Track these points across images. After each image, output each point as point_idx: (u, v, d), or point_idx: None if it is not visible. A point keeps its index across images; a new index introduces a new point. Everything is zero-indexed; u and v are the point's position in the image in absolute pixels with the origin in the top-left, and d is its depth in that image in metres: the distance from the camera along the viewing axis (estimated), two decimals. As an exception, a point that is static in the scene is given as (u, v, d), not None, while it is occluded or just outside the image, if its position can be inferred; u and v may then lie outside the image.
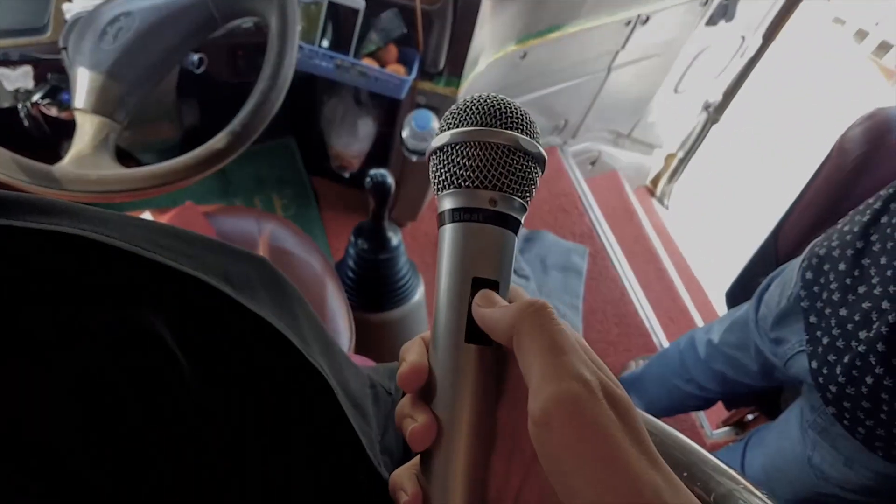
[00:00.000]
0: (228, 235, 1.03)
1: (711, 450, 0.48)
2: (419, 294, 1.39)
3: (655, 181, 2.70)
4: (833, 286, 0.92)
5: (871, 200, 0.93)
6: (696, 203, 2.75)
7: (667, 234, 2.51)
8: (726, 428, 1.78)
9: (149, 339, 0.31)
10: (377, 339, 1.34)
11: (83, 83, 0.82)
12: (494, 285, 0.32)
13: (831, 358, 0.90)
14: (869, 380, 0.83)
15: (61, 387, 0.28)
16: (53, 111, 0.90)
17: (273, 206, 1.79)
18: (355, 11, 1.16)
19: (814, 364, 0.93)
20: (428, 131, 1.17)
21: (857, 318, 0.86)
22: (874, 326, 0.83)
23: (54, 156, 0.81)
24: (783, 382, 1.20)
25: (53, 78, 0.90)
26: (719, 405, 1.51)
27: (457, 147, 0.32)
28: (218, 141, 0.81)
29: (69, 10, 0.87)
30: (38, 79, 0.91)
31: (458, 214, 0.32)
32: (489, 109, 0.32)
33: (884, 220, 0.88)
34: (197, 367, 0.32)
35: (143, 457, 0.30)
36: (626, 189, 2.44)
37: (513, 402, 0.31)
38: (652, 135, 2.38)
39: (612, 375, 0.30)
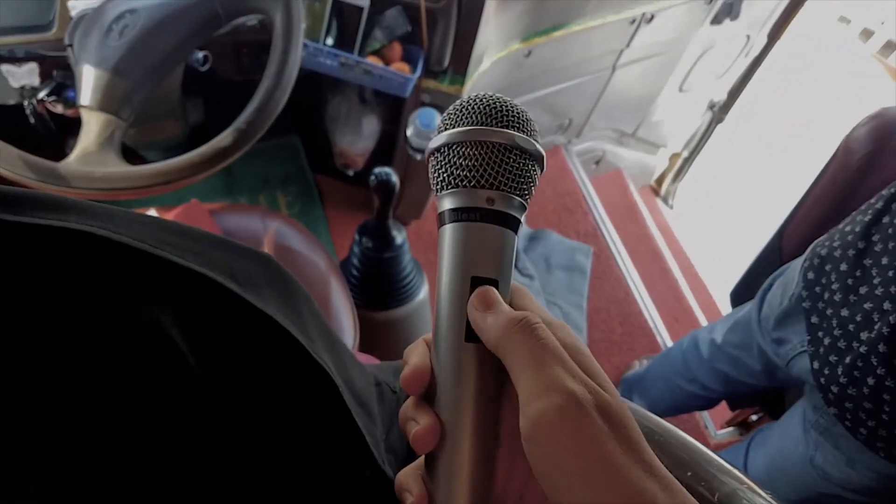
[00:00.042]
0: (233, 233, 1.03)
1: (715, 450, 0.48)
2: (423, 292, 1.39)
3: (660, 180, 2.70)
4: (835, 286, 0.91)
5: (872, 200, 0.93)
6: (701, 203, 2.74)
7: (671, 234, 2.51)
8: (730, 428, 1.78)
9: (149, 339, 0.31)
10: (381, 338, 1.34)
11: (88, 80, 0.82)
12: (494, 284, 0.32)
13: (833, 358, 0.89)
14: (870, 380, 0.83)
15: (61, 387, 0.28)
16: (59, 108, 0.91)
17: (277, 204, 1.79)
18: (360, 9, 1.16)
19: (815, 364, 0.93)
20: (432, 129, 1.17)
21: (858, 318, 0.86)
22: (876, 327, 0.83)
23: (60, 153, 0.81)
24: (786, 382, 1.20)
25: (59, 75, 0.91)
26: (723, 405, 1.51)
27: (454, 147, 0.32)
28: (223, 139, 0.81)
29: (74, 7, 0.87)
30: (44, 76, 0.91)
31: (457, 214, 0.32)
32: (486, 109, 0.32)
33: (885, 220, 0.88)
34: (197, 367, 0.32)
35: (143, 457, 0.30)
36: (631, 188, 2.43)
37: (514, 402, 0.32)
38: (656, 134, 2.37)
39: (608, 382, 0.29)
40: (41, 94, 0.89)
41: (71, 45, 0.84)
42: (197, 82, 1.19)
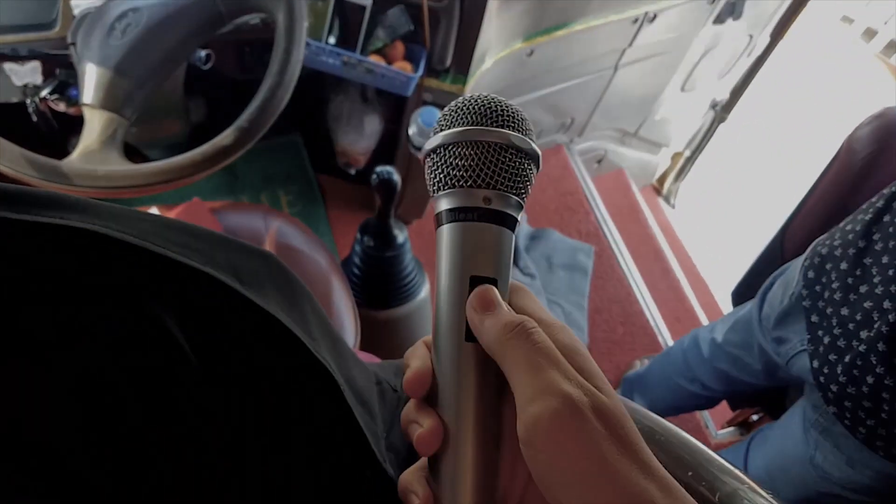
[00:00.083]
0: (235, 232, 1.04)
1: (716, 450, 0.48)
2: (424, 291, 1.39)
3: (662, 180, 2.69)
4: (835, 285, 0.91)
5: (874, 199, 0.93)
6: (703, 202, 2.74)
7: (673, 234, 2.50)
8: (731, 428, 1.78)
9: (149, 339, 0.31)
10: (383, 337, 1.34)
11: (91, 79, 0.82)
12: (493, 283, 0.32)
13: (832, 357, 0.90)
14: (870, 379, 0.83)
15: (61, 387, 0.28)
16: (61, 106, 0.91)
17: (279, 203, 1.79)
18: (362, 8, 1.16)
19: (815, 363, 0.93)
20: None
21: (858, 317, 0.86)
22: (875, 326, 0.83)
23: (62, 151, 0.81)
24: (787, 382, 1.20)
25: (62, 73, 0.91)
26: (724, 405, 1.51)
27: (450, 148, 0.32)
28: (225, 137, 0.81)
29: (77, 6, 0.88)
30: (47, 74, 0.91)
31: (454, 214, 0.32)
32: (481, 109, 0.32)
33: (886, 218, 0.88)
34: (198, 367, 0.32)
35: (143, 457, 0.30)
36: (633, 188, 2.43)
37: (514, 405, 0.32)
38: (659, 133, 2.37)
39: (606, 383, 0.29)
40: (44, 93, 0.89)
41: (74, 44, 0.85)
42: (199, 81, 1.19)
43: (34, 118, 0.92)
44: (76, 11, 0.87)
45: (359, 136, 1.55)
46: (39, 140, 0.86)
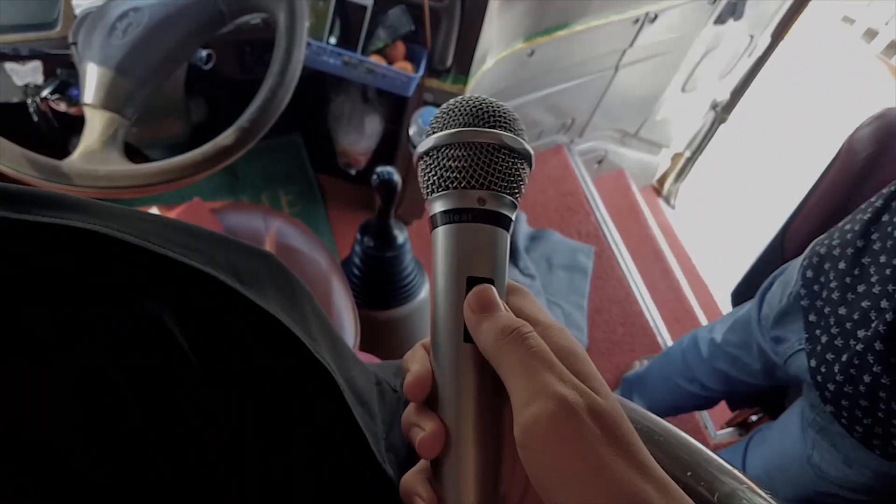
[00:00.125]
0: (235, 232, 1.04)
1: (714, 450, 0.48)
2: (424, 292, 1.39)
3: (662, 180, 2.69)
4: (833, 285, 0.92)
5: (873, 199, 0.93)
6: (703, 203, 2.74)
7: (673, 234, 2.50)
8: (730, 429, 1.78)
9: (149, 339, 0.31)
10: (382, 337, 1.35)
11: (92, 78, 0.82)
12: (489, 284, 0.32)
13: (830, 356, 0.90)
14: (867, 378, 0.83)
15: (61, 387, 0.28)
16: (62, 106, 0.91)
17: (279, 203, 1.79)
18: (363, 8, 1.16)
19: (812, 362, 0.93)
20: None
21: (855, 316, 0.86)
22: (872, 325, 0.83)
23: (63, 151, 0.81)
24: (786, 382, 1.20)
25: (63, 73, 0.91)
26: (723, 406, 1.51)
27: (443, 150, 0.32)
28: (225, 137, 0.81)
29: (79, 6, 0.88)
30: (48, 74, 0.91)
31: (450, 216, 0.32)
32: (472, 110, 0.32)
33: (885, 218, 0.88)
34: (197, 367, 0.32)
35: (143, 457, 0.30)
36: (633, 188, 2.43)
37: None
38: (659, 134, 2.37)
39: (602, 385, 0.29)
40: (45, 92, 0.90)
41: (75, 44, 0.85)
42: (200, 81, 1.19)
43: (35, 118, 0.92)
44: (77, 11, 0.87)
45: (359, 137, 1.55)
46: (40, 140, 0.86)
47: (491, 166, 0.31)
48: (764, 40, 2.08)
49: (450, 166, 0.32)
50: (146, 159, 0.80)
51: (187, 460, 0.32)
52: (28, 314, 0.28)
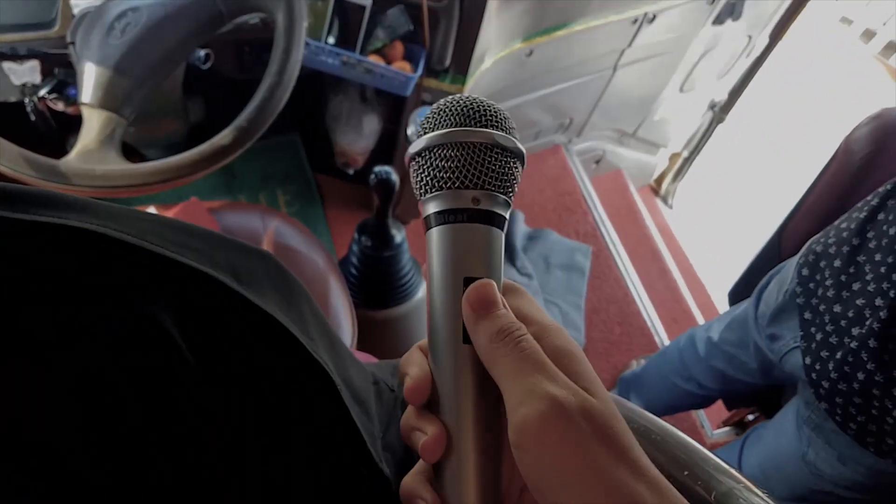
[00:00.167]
0: (233, 231, 1.04)
1: (711, 449, 0.48)
2: (422, 291, 1.39)
3: (660, 180, 2.70)
4: (828, 283, 0.92)
5: (869, 197, 0.93)
6: (701, 203, 2.74)
7: (670, 234, 2.51)
8: (727, 428, 1.78)
9: (149, 339, 0.31)
10: (380, 337, 1.35)
11: (90, 78, 0.82)
12: None
13: (824, 354, 0.90)
14: (861, 376, 0.84)
15: (61, 387, 0.28)
16: (60, 106, 0.91)
17: (277, 203, 1.79)
18: (362, 8, 1.16)
19: (807, 360, 0.93)
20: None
21: (850, 314, 0.87)
22: (867, 323, 0.84)
23: (60, 150, 0.81)
24: (782, 381, 1.20)
25: (60, 73, 0.91)
26: (720, 406, 1.51)
27: (435, 150, 0.32)
28: (223, 137, 0.81)
29: (77, 5, 0.88)
30: (46, 73, 0.91)
31: (444, 216, 0.32)
32: (463, 110, 0.32)
33: (881, 216, 0.89)
34: (197, 367, 0.32)
35: (143, 457, 0.30)
36: (631, 188, 2.43)
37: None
38: (657, 134, 2.37)
39: (597, 385, 0.29)
40: (42, 92, 0.89)
41: (73, 43, 0.85)
42: (198, 80, 1.19)
43: (32, 117, 0.92)
44: (75, 10, 0.87)
45: (357, 136, 1.55)
46: (38, 139, 0.86)
47: (484, 165, 0.31)
48: (762, 41, 2.09)
49: (443, 166, 0.31)
50: (144, 159, 0.80)
51: (187, 460, 0.32)
52: (28, 314, 0.28)
